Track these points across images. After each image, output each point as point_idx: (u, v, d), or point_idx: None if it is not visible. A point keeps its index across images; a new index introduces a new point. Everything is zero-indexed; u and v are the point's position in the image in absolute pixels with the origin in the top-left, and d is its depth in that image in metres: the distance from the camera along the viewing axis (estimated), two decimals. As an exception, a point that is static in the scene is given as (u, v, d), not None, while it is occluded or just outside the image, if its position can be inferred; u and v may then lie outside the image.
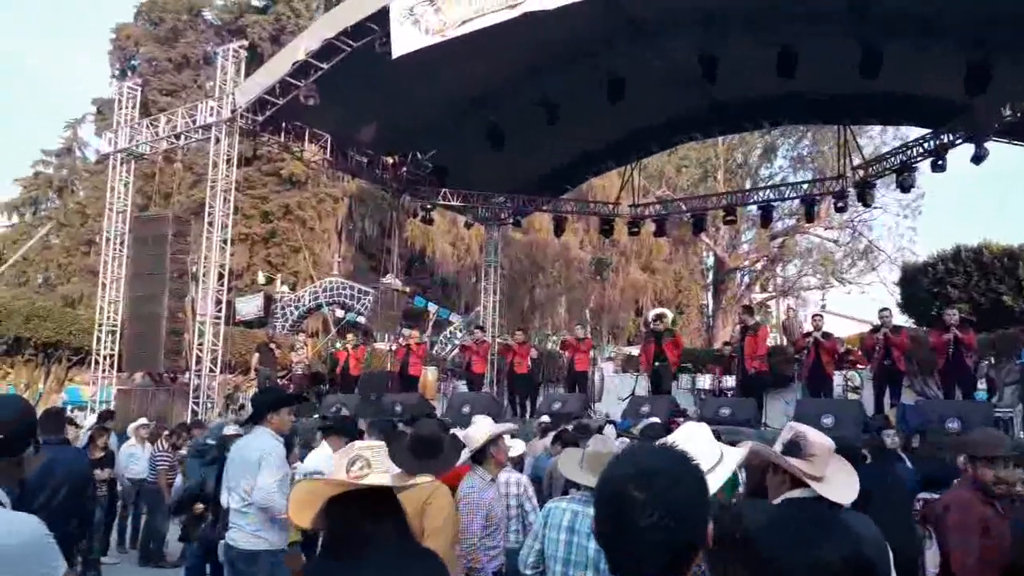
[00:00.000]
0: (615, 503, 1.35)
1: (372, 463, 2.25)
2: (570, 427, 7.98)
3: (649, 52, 13.51)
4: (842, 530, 1.57)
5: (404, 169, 17.31)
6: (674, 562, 1.34)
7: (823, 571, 1.51)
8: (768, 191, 19.70)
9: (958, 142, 14.31)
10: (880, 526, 2.67)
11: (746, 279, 33.39)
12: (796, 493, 2.62)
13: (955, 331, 10.68)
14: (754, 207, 20.93)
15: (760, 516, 1.82)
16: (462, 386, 16.68)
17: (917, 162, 15.41)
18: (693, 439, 3.00)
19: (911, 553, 3.26)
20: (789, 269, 33.55)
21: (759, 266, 33.14)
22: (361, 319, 23.33)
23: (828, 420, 9.21)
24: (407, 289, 22.09)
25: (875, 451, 4.76)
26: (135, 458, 9.66)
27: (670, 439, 3.23)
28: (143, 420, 10.67)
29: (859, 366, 13.40)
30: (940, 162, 14.65)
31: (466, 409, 11.73)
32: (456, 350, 20.50)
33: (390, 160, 17.19)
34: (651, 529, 1.30)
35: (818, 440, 2.65)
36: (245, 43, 17.04)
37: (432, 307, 24.97)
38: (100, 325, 16.77)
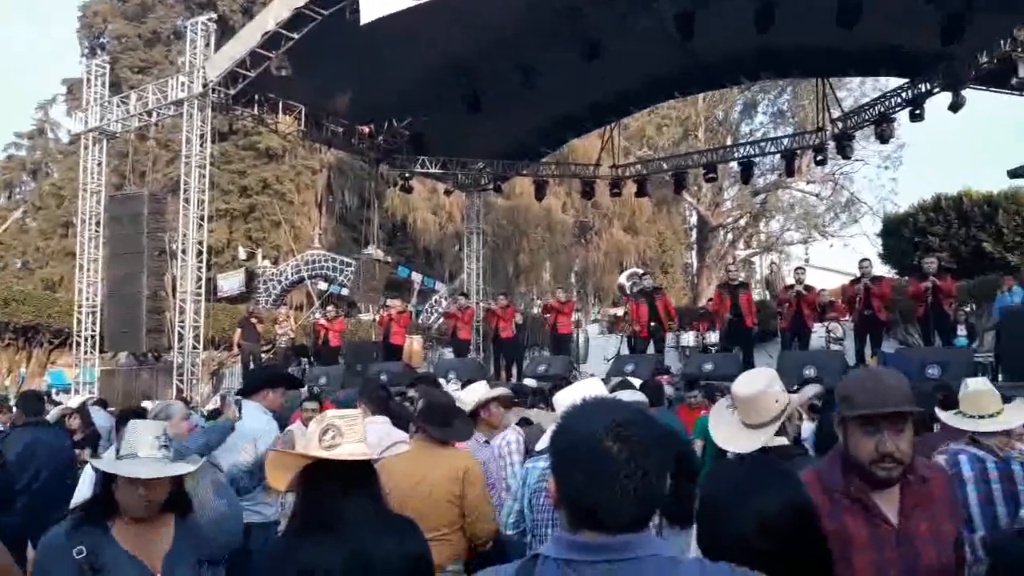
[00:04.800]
0: (589, 454, 1.37)
1: (344, 432, 2.23)
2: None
3: (626, 10, 13.34)
4: (779, 478, 1.63)
5: (380, 138, 17.13)
6: (647, 512, 1.39)
7: (762, 520, 1.56)
8: (748, 147, 19.65)
9: (936, 91, 14.28)
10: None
11: (729, 236, 33.45)
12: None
13: (933, 279, 10.76)
14: (735, 164, 20.91)
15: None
16: (448, 353, 16.71)
17: (895, 112, 15.40)
18: (588, 392, 3.06)
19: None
20: (772, 225, 33.66)
21: (742, 223, 33.19)
22: (344, 291, 23.27)
23: (810, 371, 9.31)
24: (389, 259, 22.02)
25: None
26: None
27: (565, 394, 3.29)
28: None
29: (841, 317, 13.49)
30: (918, 111, 14.66)
31: (452, 375, 11.75)
32: (442, 318, 20.50)
33: (365, 129, 16.99)
34: (628, 478, 1.34)
35: (737, 389, 2.70)
36: (215, 16, 16.71)
37: (416, 276, 24.93)
38: (80, 307, 16.63)
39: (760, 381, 2.71)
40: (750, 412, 2.64)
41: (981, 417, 3.19)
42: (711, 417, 2.88)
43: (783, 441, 2.69)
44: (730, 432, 2.70)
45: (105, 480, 2.52)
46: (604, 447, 1.35)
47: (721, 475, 1.77)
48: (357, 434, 2.26)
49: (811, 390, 3.19)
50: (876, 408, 2.01)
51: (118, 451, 2.56)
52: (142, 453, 2.47)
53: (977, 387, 3.35)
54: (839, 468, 2.11)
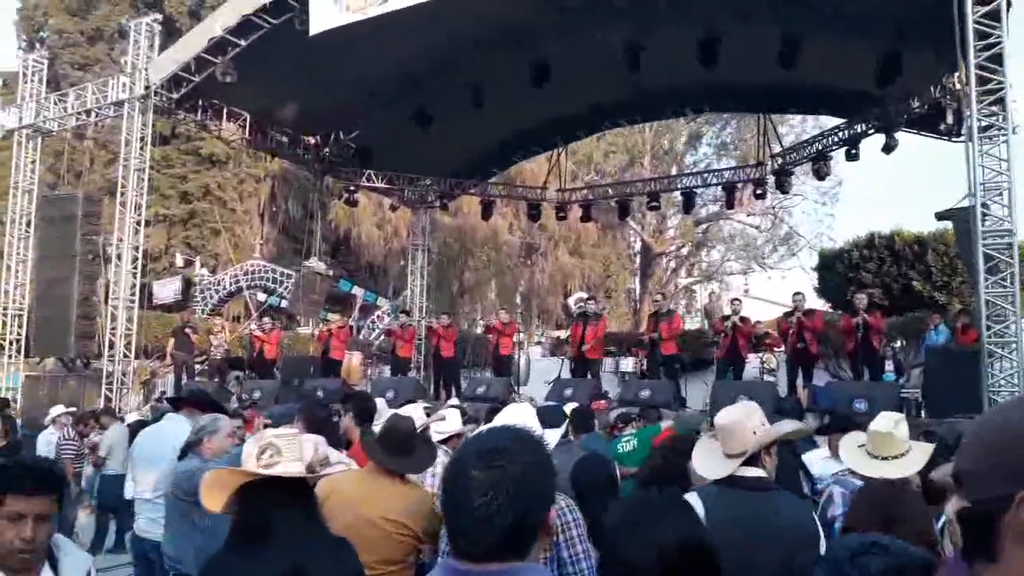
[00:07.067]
0: (454, 481, 1.40)
1: (283, 451, 2.25)
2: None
3: (575, 37, 13.53)
4: (677, 511, 1.70)
5: (327, 149, 16.98)
6: (508, 542, 1.36)
7: (654, 551, 1.60)
8: (691, 177, 20.04)
9: (870, 132, 14.82)
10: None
11: (672, 264, 33.97)
12: (743, 472, 2.74)
13: (863, 315, 11.09)
14: (679, 193, 21.26)
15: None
16: (388, 371, 16.55)
17: (832, 151, 15.91)
18: (515, 419, 3.11)
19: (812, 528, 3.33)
20: (713, 254, 34.30)
21: (684, 251, 33.75)
22: (284, 303, 22.87)
23: (742, 400, 9.45)
24: (331, 272, 21.72)
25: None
26: (52, 446, 9.30)
27: (497, 419, 3.32)
28: (61, 407, 10.25)
29: (775, 348, 13.80)
30: (853, 151, 15.17)
31: (390, 394, 11.59)
32: (383, 335, 20.30)
33: (311, 140, 16.82)
34: (484, 507, 1.33)
35: (718, 418, 2.82)
36: (160, 17, 16.38)
37: (358, 291, 24.66)
38: (5, 309, 16.04)
39: (739, 412, 2.80)
40: (728, 441, 2.74)
41: (884, 459, 3.31)
42: (697, 445, 2.98)
43: (758, 473, 2.73)
44: (706, 460, 2.81)
45: None
46: (468, 474, 1.36)
47: (624, 504, 1.84)
48: (294, 453, 2.28)
49: (787, 426, 3.19)
50: None
51: None
52: None
53: (879, 428, 3.38)
54: None
